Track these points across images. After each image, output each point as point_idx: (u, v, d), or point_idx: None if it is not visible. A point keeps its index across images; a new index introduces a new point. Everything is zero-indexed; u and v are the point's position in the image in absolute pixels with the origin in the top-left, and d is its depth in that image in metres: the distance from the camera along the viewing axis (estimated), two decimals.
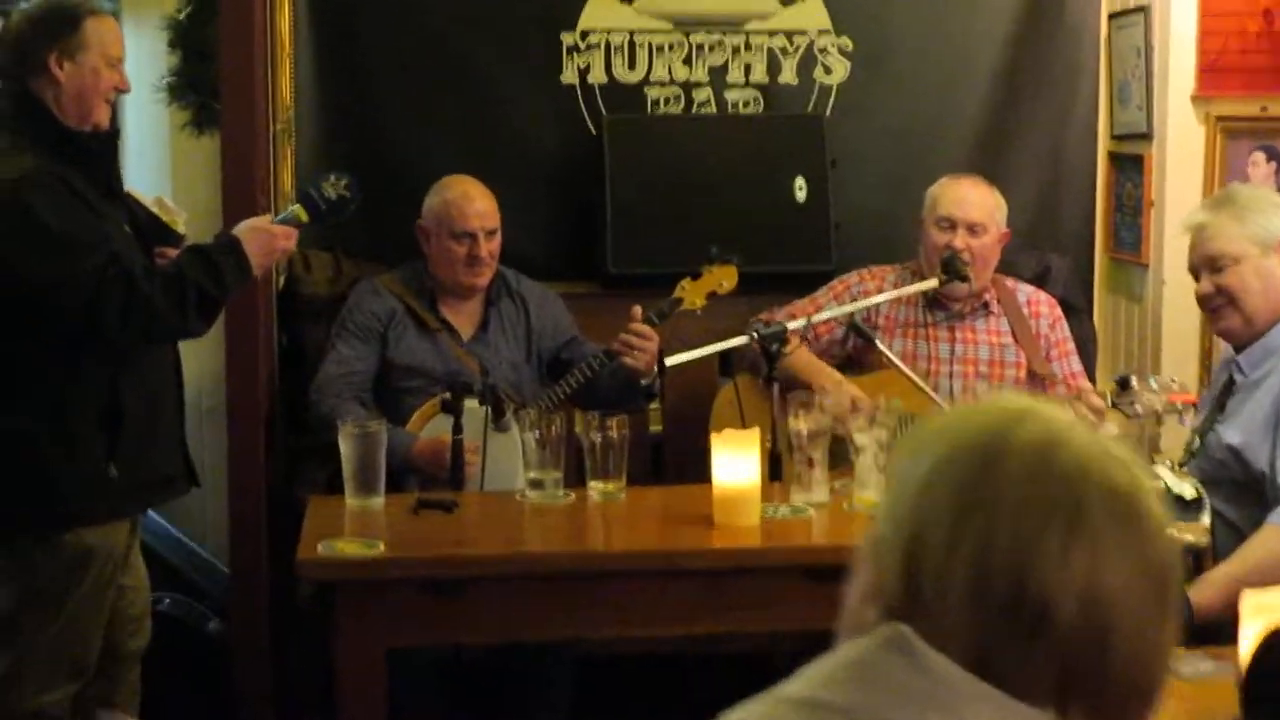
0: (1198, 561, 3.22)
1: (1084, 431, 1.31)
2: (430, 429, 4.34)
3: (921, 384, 3.99)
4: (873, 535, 1.34)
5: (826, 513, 3.69)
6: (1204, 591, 3.14)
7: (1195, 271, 3.59)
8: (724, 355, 4.47)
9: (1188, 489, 3.35)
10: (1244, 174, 4.93)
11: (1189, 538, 3.21)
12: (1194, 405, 4.29)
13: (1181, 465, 3.50)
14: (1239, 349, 3.54)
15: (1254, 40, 4.89)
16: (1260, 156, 4.93)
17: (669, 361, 4.19)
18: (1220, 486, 3.44)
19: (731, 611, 3.49)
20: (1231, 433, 3.47)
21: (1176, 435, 4.67)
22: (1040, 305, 4.66)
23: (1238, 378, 3.53)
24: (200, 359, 4.44)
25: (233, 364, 4.37)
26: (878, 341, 3.98)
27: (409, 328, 4.53)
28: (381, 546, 3.39)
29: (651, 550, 3.50)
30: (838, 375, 4.49)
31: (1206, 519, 3.28)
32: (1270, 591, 2.48)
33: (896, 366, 4.00)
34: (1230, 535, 3.33)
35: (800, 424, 3.71)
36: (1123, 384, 4.28)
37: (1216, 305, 3.59)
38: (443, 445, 4.19)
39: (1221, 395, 3.59)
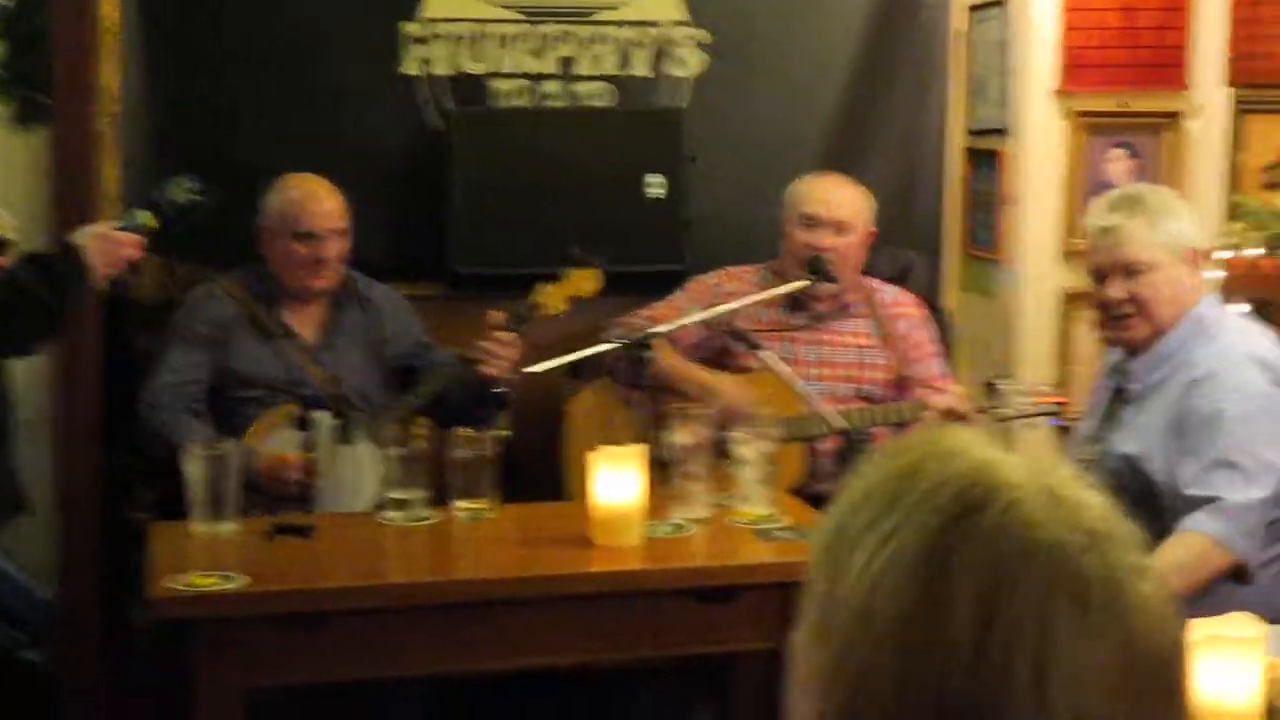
0: None
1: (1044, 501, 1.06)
2: (272, 442, 4.08)
3: (805, 391, 3.83)
4: (804, 655, 1.10)
5: (708, 529, 3.52)
6: None
7: (1102, 274, 3.45)
8: (575, 361, 4.27)
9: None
10: (1103, 170, 4.87)
11: None
12: (1062, 405, 4.23)
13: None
14: (1129, 356, 3.45)
15: (1114, 36, 4.82)
16: (1120, 153, 4.88)
17: (531, 370, 3.97)
18: (1115, 498, 3.33)
19: (615, 637, 3.31)
20: (1128, 443, 3.37)
21: (1044, 437, 4.62)
22: (904, 306, 4.55)
23: (1131, 386, 3.43)
24: (11, 366, 4.11)
25: (61, 375, 4.06)
26: (763, 351, 3.81)
27: (249, 334, 4.26)
28: (240, 579, 3.14)
29: (528, 576, 3.29)
30: (709, 378, 4.33)
31: None
32: (1220, 619, 2.37)
33: (781, 374, 3.84)
34: None
35: (681, 437, 3.53)
36: (990, 387, 4.20)
37: (1125, 313, 3.45)
38: (283, 460, 3.95)
39: (1113, 405, 3.49)
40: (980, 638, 1.00)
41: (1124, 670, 1.02)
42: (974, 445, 1.09)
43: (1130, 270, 3.42)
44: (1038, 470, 1.08)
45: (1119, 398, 3.50)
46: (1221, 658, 2.36)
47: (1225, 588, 3.16)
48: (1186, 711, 1.07)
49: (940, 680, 1.00)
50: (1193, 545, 3.14)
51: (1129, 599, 1.04)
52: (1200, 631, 2.35)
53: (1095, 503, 1.08)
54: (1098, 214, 3.49)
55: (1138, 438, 3.37)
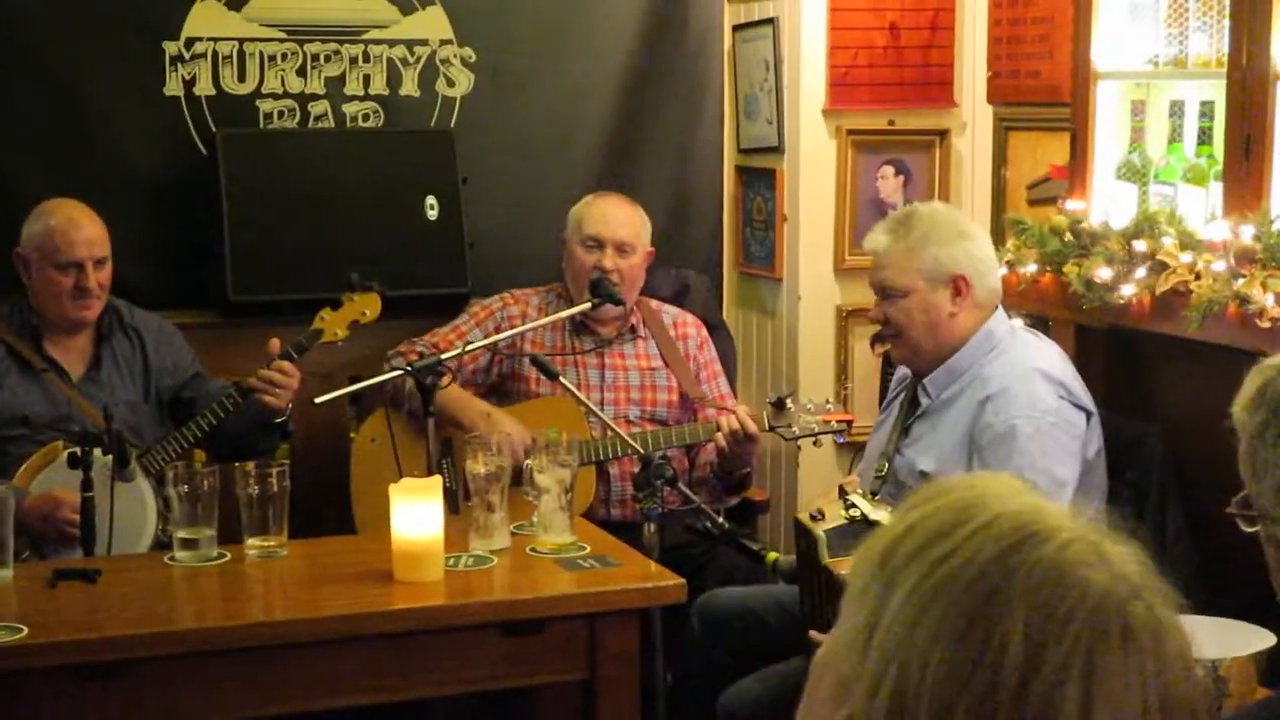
0: None
1: (1089, 541, 1.11)
2: (41, 482, 3.90)
3: (601, 416, 3.79)
4: (835, 668, 1.12)
5: (509, 559, 3.46)
6: None
7: (874, 293, 3.54)
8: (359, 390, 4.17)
9: (884, 515, 3.26)
10: (874, 188, 4.94)
11: None
12: (849, 423, 4.28)
13: (874, 494, 3.41)
14: (920, 373, 3.49)
15: (881, 54, 4.90)
16: (889, 170, 4.95)
17: (318, 400, 3.86)
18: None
19: (420, 674, 3.22)
20: (924, 459, 3.41)
21: (831, 454, 4.67)
22: (687, 327, 4.55)
23: (923, 400, 3.48)
24: None
25: None
26: (561, 379, 3.76)
27: (11, 369, 4.07)
28: (24, 630, 2.98)
29: (329, 616, 3.17)
30: (486, 407, 4.26)
31: None
32: None
33: (578, 399, 3.80)
34: None
35: (478, 466, 3.47)
36: (778, 405, 4.23)
37: (885, 334, 3.57)
38: (56, 502, 3.77)
39: (905, 418, 3.53)
40: (1027, 672, 1.01)
41: (1163, 716, 1.04)
42: (1019, 490, 1.12)
43: (886, 293, 3.49)
44: (1082, 519, 1.11)
45: (911, 411, 3.54)
46: None
47: None
48: None
49: (982, 711, 1.01)
50: None
51: (1169, 647, 1.07)
52: None
53: (1136, 556, 1.10)
54: (873, 232, 3.56)
55: (935, 455, 3.42)
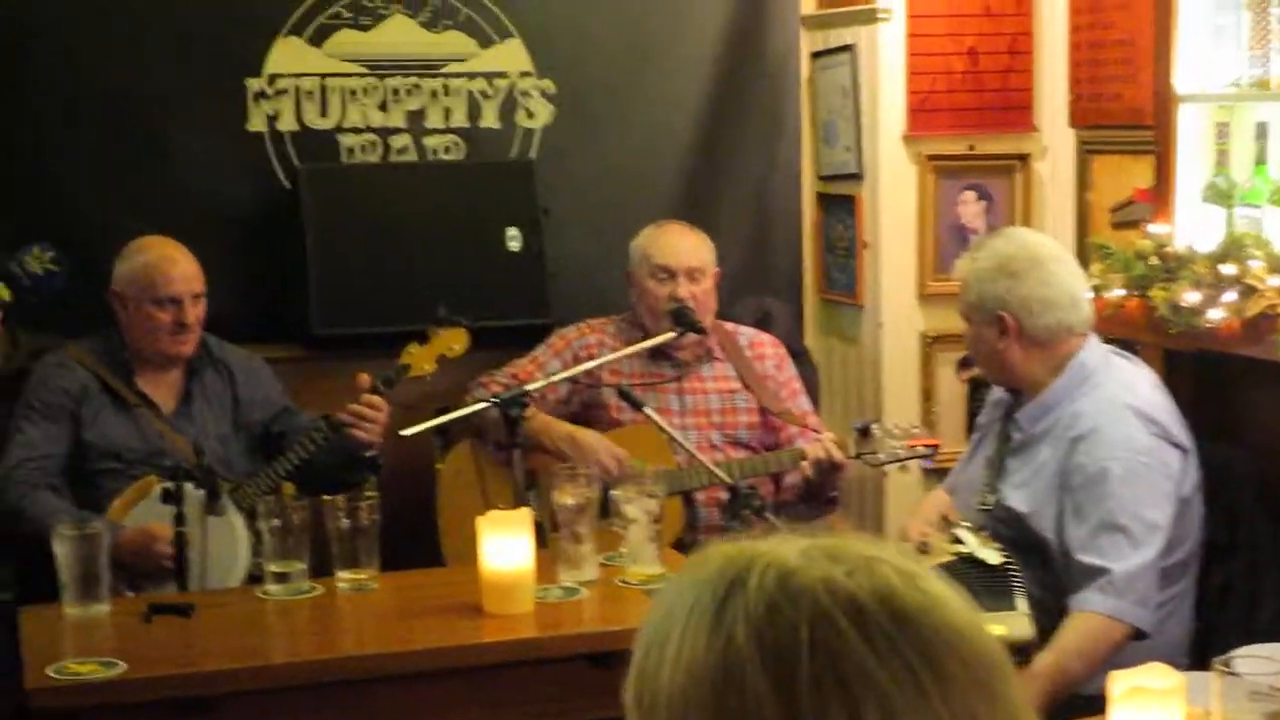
0: (1024, 655, 3.11)
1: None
2: (135, 516, 3.95)
3: (688, 446, 3.80)
4: None
5: (598, 591, 3.47)
6: (1030, 685, 3.04)
7: None
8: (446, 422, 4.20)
9: (991, 554, 3.24)
10: (956, 213, 4.93)
11: (1010, 632, 3.08)
12: (936, 448, 4.26)
13: (982, 528, 3.37)
14: (1017, 403, 3.46)
15: (960, 79, 4.89)
16: (970, 195, 4.94)
17: (406, 433, 3.89)
18: (1008, 548, 3.34)
19: (510, 706, 3.23)
20: (1016, 496, 3.37)
21: (918, 479, 4.65)
22: (764, 347, 4.55)
23: (1015, 434, 3.45)
24: None
25: None
26: (647, 409, 3.78)
27: (105, 405, 4.12)
28: (122, 665, 3.02)
29: (419, 649, 3.20)
30: (569, 428, 4.28)
31: (1023, 602, 3.18)
32: (1139, 671, 2.39)
33: (663, 430, 3.81)
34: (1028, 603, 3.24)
35: (566, 497, 3.48)
36: (864, 431, 4.22)
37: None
38: (152, 536, 3.82)
39: (1000, 451, 3.50)
40: (792, 711, 1.00)
41: (933, 672, 1.01)
42: (717, 548, 1.10)
43: (963, 317, 3.49)
44: (794, 539, 1.09)
45: (1004, 444, 3.50)
46: (1142, 709, 2.37)
47: None
48: (1018, 707, 1.06)
49: None
50: (1088, 628, 3.16)
51: (906, 604, 1.04)
52: (1120, 684, 2.36)
53: (853, 541, 1.09)
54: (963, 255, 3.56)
55: (1026, 494, 3.37)
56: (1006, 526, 3.37)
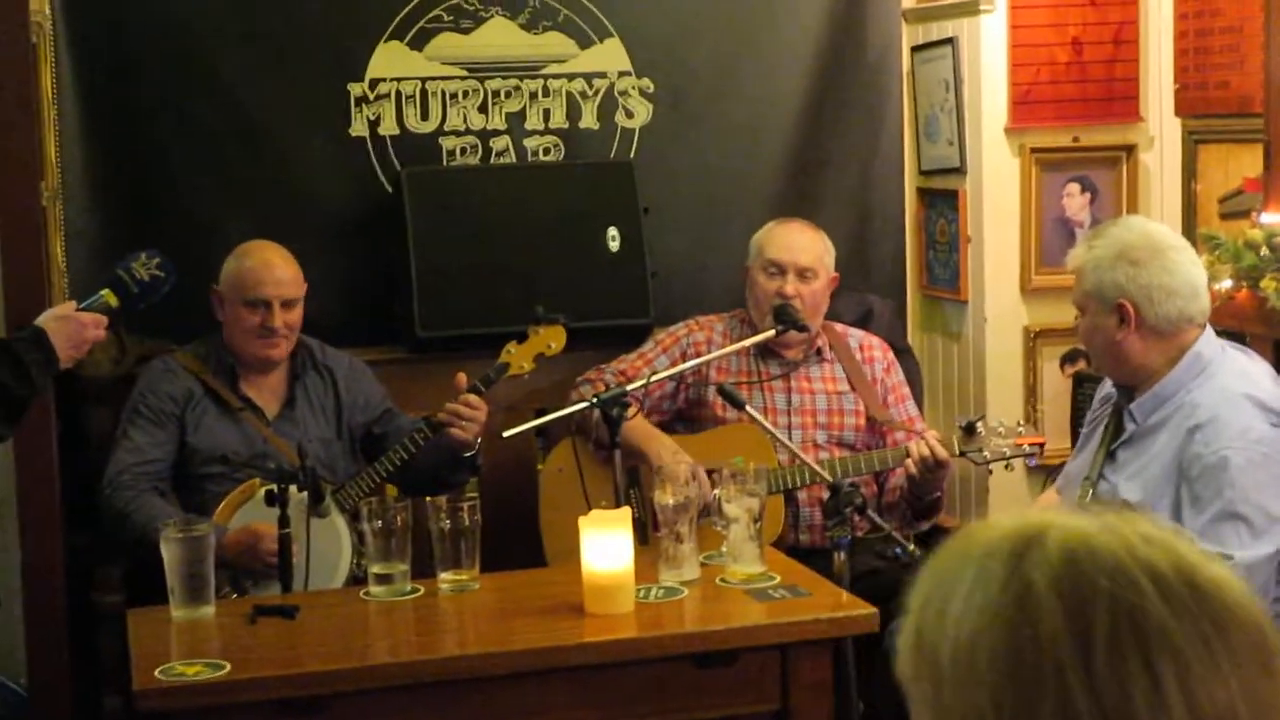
0: None
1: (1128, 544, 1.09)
2: (239, 518, 3.99)
3: (789, 445, 3.77)
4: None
5: (699, 590, 3.45)
6: None
7: None
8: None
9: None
10: (1060, 206, 4.86)
11: None
12: (1041, 445, 4.20)
13: None
14: (1129, 396, 3.40)
15: (1064, 70, 4.83)
16: (1075, 188, 4.88)
17: (505, 434, 3.90)
18: None
19: (613, 706, 3.23)
20: (1128, 487, 3.32)
21: (1023, 478, 4.59)
22: (874, 350, 4.51)
23: (1129, 425, 3.38)
24: None
25: (23, 460, 3.94)
26: (749, 408, 3.75)
27: (209, 409, 4.16)
28: (227, 666, 3.04)
29: (522, 649, 3.20)
30: (671, 444, 4.25)
31: None
32: None
33: (765, 429, 3.78)
34: None
35: (667, 497, 3.47)
36: (968, 429, 4.18)
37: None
38: (257, 535, 3.85)
39: (1110, 442, 3.44)
40: (1086, 654, 1.02)
41: (1223, 642, 1.05)
42: (1003, 517, 1.14)
43: (1077, 307, 3.43)
44: (1070, 512, 1.12)
45: (1116, 436, 3.44)
46: None
47: None
48: None
49: (1061, 707, 1.02)
50: None
51: (1202, 578, 1.08)
52: None
53: (1139, 518, 1.12)
54: (1079, 242, 3.50)
55: (1140, 484, 3.31)
56: None
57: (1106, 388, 3.54)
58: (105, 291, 3.44)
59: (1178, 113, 4.58)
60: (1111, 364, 3.41)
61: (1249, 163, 4.14)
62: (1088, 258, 3.37)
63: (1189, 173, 4.54)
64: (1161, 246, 3.33)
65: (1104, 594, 1.03)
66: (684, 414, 4.44)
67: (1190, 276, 3.32)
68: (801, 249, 4.38)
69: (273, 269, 4.18)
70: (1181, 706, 1.01)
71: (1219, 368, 3.30)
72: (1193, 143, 4.55)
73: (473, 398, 4.04)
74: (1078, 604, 1.03)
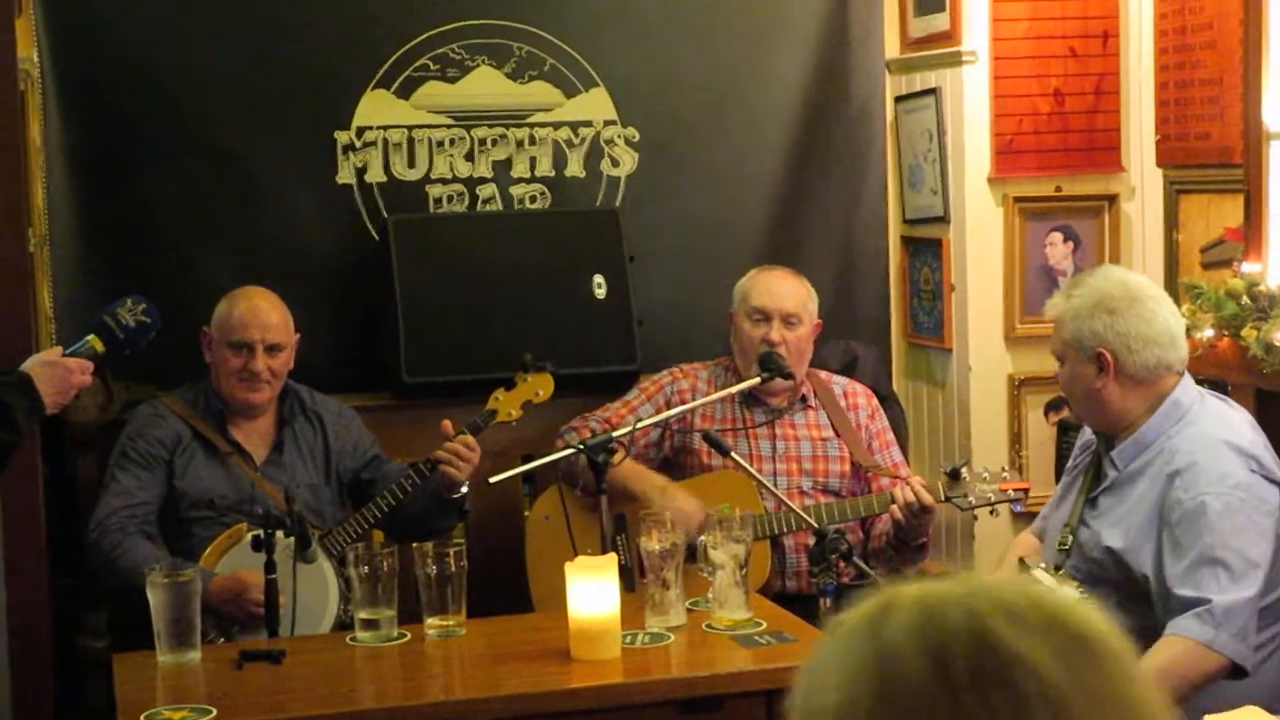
0: None
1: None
2: (226, 563, 3.99)
3: (775, 491, 3.79)
4: None
5: (686, 636, 3.46)
6: None
7: None
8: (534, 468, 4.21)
9: (1070, 592, 3.21)
10: (1043, 255, 4.90)
11: None
12: (1026, 491, 4.22)
13: (1058, 568, 3.35)
14: (1109, 444, 3.43)
15: (1046, 121, 4.87)
16: (1058, 237, 4.91)
17: (492, 480, 3.91)
18: (1096, 587, 3.31)
19: None
20: (1110, 534, 3.34)
21: (1007, 524, 4.61)
22: (858, 397, 4.54)
23: (1110, 472, 3.41)
24: None
25: (9, 505, 3.94)
26: (734, 455, 3.77)
27: (197, 453, 4.18)
28: (214, 711, 3.04)
29: (508, 694, 3.20)
30: (661, 482, 4.28)
31: None
32: (1234, 715, 2.35)
33: (750, 475, 3.79)
34: None
35: (653, 543, 3.48)
36: (954, 475, 4.20)
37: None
38: (243, 584, 3.86)
39: (1090, 489, 3.46)
40: (953, 691, 1.05)
41: (1081, 655, 1.08)
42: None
43: (1056, 357, 3.46)
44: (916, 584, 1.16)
45: (1096, 483, 3.47)
46: None
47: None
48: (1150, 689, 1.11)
49: None
50: (1179, 650, 3.12)
51: (1051, 603, 1.11)
52: None
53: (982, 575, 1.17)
54: (1058, 292, 3.53)
55: (1121, 531, 3.34)
56: (1098, 566, 3.34)
57: (1087, 435, 3.57)
58: (91, 337, 3.45)
59: (1159, 163, 4.62)
60: (1091, 412, 3.44)
61: (1230, 212, 4.18)
62: (1066, 307, 3.40)
63: (1171, 222, 4.58)
64: (1139, 296, 3.36)
65: (961, 631, 1.07)
66: (670, 461, 4.46)
67: (1168, 325, 3.35)
68: (785, 296, 4.40)
69: (259, 313, 4.20)
70: (1047, 718, 1.04)
71: (1198, 415, 3.33)
72: (1174, 192, 4.59)
73: (469, 438, 4.06)
74: (937, 646, 1.06)
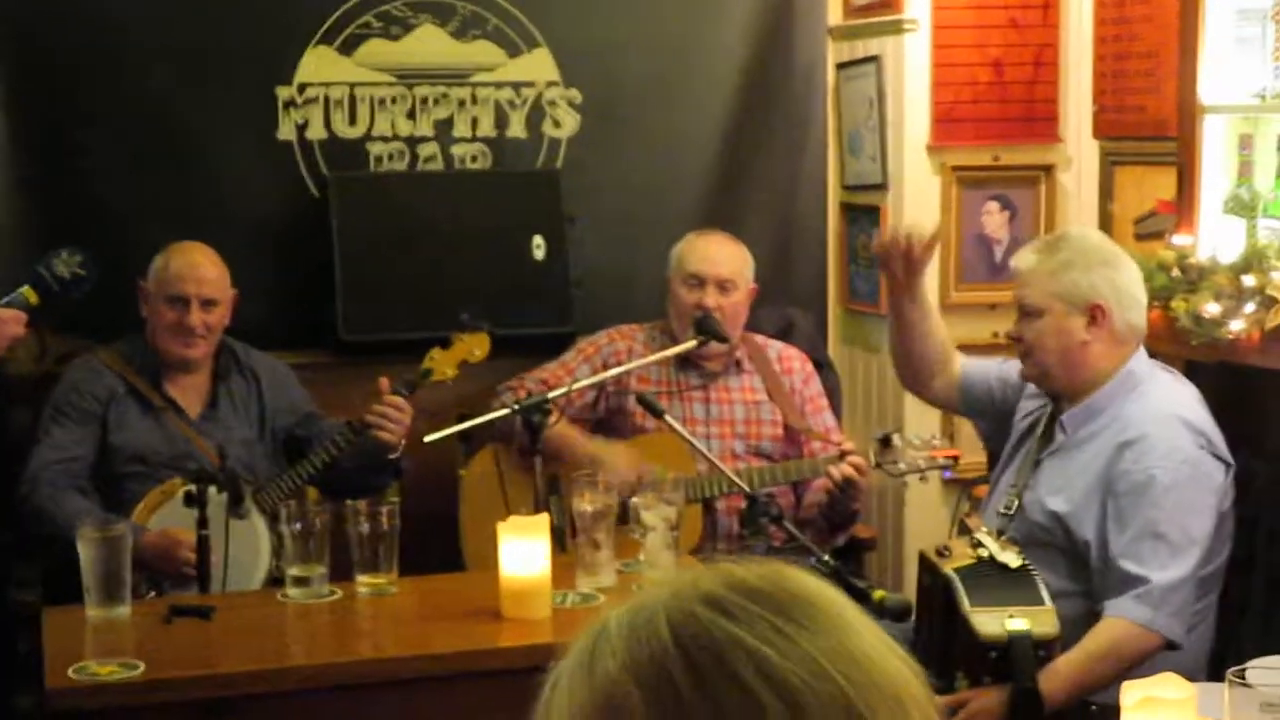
0: (1047, 651, 3.13)
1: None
2: (159, 519, 3.99)
3: (707, 454, 3.81)
4: None
5: (616, 597, 3.48)
6: (1052, 681, 3.08)
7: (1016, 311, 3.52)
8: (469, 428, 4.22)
9: (1011, 557, 3.25)
10: (980, 223, 4.94)
11: (1034, 627, 3.11)
12: (956, 458, 4.26)
13: (1001, 532, 3.38)
14: (1060, 408, 3.46)
15: (985, 90, 4.90)
16: (994, 205, 4.95)
17: (429, 439, 3.92)
18: (1039, 550, 3.35)
19: (527, 712, 3.24)
20: (1055, 499, 3.38)
21: (938, 490, 4.66)
22: (792, 361, 4.57)
23: (1059, 436, 3.44)
24: None
25: None
26: (667, 417, 3.79)
27: (131, 407, 4.16)
28: (141, 666, 3.05)
29: (438, 653, 3.23)
30: (594, 447, 4.29)
31: (1048, 599, 3.18)
32: (1152, 681, 2.39)
33: (683, 438, 3.81)
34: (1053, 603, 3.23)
35: (585, 504, 3.51)
36: (884, 442, 4.23)
37: (1020, 351, 3.52)
38: (174, 539, 3.85)
39: (1037, 452, 3.50)
40: (678, 704, 1.02)
41: (794, 622, 1.05)
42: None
43: (1023, 311, 3.47)
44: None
45: (1044, 446, 3.50)
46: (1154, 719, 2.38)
47: None
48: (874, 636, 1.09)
49: None
50: (1120, 633, 3.18)
51: (755, 580, 1.08)
52: (1132, 694, 2.37)
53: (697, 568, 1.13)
54: (1020, 251, 3.55)
55: (1066, 497, 3.37)
56: (1041, 530, 3.38)
57: (1031, 404, 3.60)
58: (25, 288, 3.44)
59: (1096, 135, 4.66)
60: (1064, 368, 3.44)
61: (1163, 185, 4.22)
62: (1054, 261, 3.41)
63: (1105, 193, 4.62)
64: (1123, 255, 3.42)
65: (668, 638, 1.04)
66: (604, 423, 4.47)
67: (1142, 289, 3.42)
68: (721, 261, 4.42)
69: (196, 268, 4.19)
70: (771, 695, 1.01)
71: (1150, 387, 3.37)
72: (1109, 164, 4.63)
73: (399, 399, 4.06)
74: (650, 667, 1.03)
